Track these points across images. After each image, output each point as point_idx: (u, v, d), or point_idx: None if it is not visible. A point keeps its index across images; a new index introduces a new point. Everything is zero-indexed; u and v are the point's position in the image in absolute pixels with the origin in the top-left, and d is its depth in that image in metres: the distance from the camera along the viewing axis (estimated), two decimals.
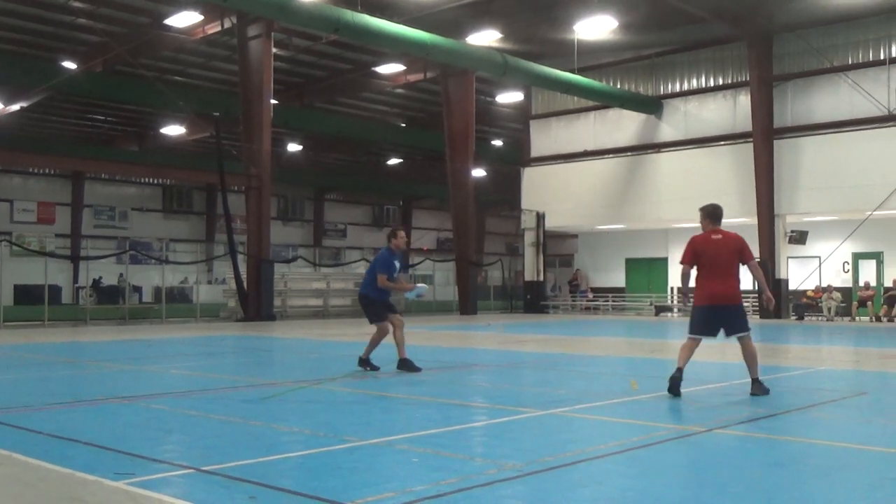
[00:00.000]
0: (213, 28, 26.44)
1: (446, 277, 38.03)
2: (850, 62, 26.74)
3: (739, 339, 8.71)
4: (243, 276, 26.31)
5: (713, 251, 8.64)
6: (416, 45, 23.95)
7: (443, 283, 39.02)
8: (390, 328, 10.98)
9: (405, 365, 10.92)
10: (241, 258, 26.85)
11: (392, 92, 36.49)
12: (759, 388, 8.62)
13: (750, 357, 8.70)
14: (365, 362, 11.12)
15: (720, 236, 8.72)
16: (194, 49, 29.87)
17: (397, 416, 7.66)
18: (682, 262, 8.87)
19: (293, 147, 42.80)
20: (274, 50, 26.93)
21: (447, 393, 9.27)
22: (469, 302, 32.15)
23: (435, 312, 33.88)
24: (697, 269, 8.72)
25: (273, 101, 27.29)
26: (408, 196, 54.97)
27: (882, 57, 26.09)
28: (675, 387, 8.41)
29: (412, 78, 32.42)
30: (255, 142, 25.79)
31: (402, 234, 11.33)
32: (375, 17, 22.69)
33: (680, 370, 8.48)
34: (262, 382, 10.12)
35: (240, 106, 26.71)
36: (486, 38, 28.03)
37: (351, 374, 10.75)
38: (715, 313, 8.63)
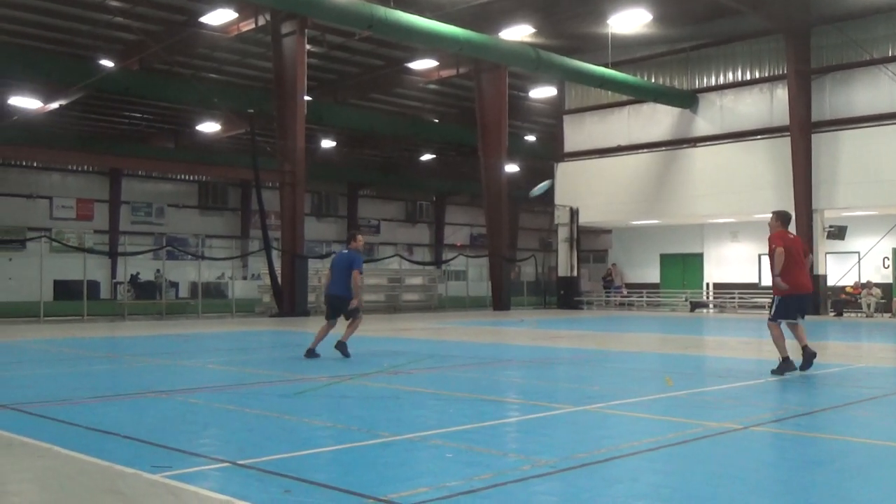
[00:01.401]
0: (248, 25, 26.63)
1: (480, 273, 38.00)
2: (890, 54, 26.27)
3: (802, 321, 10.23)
4: (278, 271, 26.50)
5: (795, 248, 10.06)
6: (448, 41, 23.93)
7: (476, 278, 38.98)
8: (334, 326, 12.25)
9: (342, 348, 12.04)
10: (275, 254, 27.02)
11: (425, 88, 36.52)
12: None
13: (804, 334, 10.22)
14: (312, 352, 12.07)
15: (793, 235, 10.30)
16: (229, 46, 30.12)
17: (430, 412, 7.68)
18: (778, 247, 9.94)
19: (327, 143, 43.01)
20: (308, 47, 27.07)
21: (480, 389, 9.27)
22: (502, 298, 32.10)
23: (469, 308, 33.88)
24: (783, 266, 9.90)
25: (307, 98, 27.43)
26: (441, 192, 55.00)
27: None
28: (791, 368, 9.84)
29: (445, 73, 32.42)
30: (289, 138, 25.95)
31: (360, 237, 12.65)
32: (408, 13, 22.72)
33: (788, 358, 9.82)
34: (296, 378, 10.19)
35: (274, 103, 26.89)
36: (519, 32, 27.95)
37: (384, 369, 10.79)
38: (803, 300, 10.17)
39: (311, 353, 12.08)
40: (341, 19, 22.62)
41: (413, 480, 4.85)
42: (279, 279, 26.32)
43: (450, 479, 4.85)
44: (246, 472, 5.07)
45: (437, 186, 53.80)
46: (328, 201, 51.07)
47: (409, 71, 32.80)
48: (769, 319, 10.21)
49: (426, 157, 48.18)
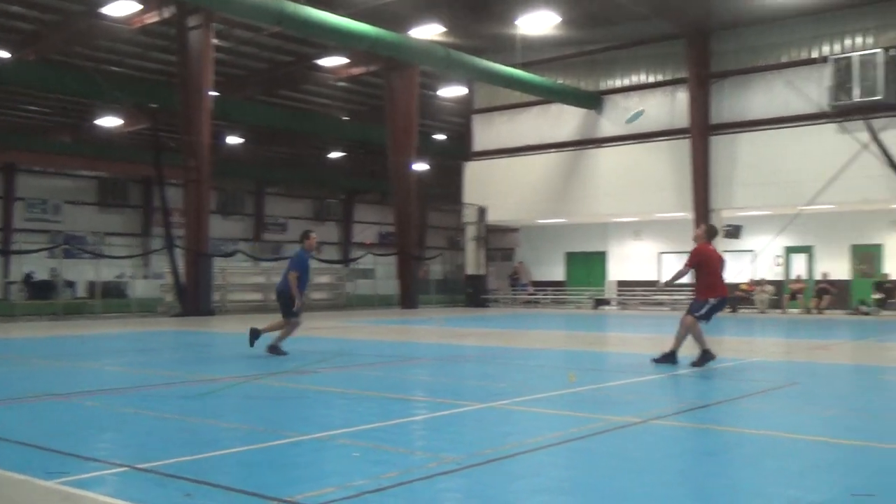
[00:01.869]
0: (152, 18, 25.90)
1: (388, 271, 37.93)
2: (784, 61, 27.39)
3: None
4: (181, 270, 25.91)
5: (715, 261, 11.01)
6: (359, 38, 23.83)
7: (384, 277, 38.90)
8: (302, 322, 12.31)
9: (275, 350, 12.05)
10: (178, 252, 26.41)
11: (335, 85, 36.23)
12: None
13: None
14: (275, 348, 12.06)
15: (713, 248, 11.28)
16: (132, 39, 29.24)
17: (338, 411, 7.65)
18: (687, 266, 10.97)
19: (233, 140, 42.25)
20: (214, 41, 26.52)
21: (388, 387, 9.28)
22: (410, 296, 32.15)
23: (377, 307, 33.82)
24: (704, 271, 10.87)
25: (213, 93, 26.89)
26: (350, 190, 54.69)
27: (814, 56, 26.79)
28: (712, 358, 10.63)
29: (355, 71, 32.24)
30: (195, 134, 25.39)
31: (313, 235, 12.58)
32: (319, 9, 22.51)
33: (709, 350, 10.63)
34: (199, 378, 10.00)
35: (179, 98, 26.27)
36: (429, 31, 28.03)
37: (291, 369, 10.68)
38: (721, 304, 10.98)
39: (275, 350, 12.05)
40: (249, 14, 22.26)
41: (320, 480, 4.83)
42: (183, 278, 25.75)
43: (357, 478, 4.84)
44: (145, 477, 4.95)
45: (346, 184, 53.47)
46: (234, 199, 50.14)
47: (319, 68, 32.49)
48: (689, 314, 10.78)
49: (335, 154, 47.81)
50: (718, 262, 11.07)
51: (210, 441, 6.13)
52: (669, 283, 11.82)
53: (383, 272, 38.46)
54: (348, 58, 30.85)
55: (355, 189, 54.37)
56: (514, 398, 8.11)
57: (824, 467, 5.37)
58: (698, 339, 10.71)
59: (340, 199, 55.58)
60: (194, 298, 25.47)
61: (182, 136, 26.19)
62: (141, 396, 8.41)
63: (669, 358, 10.83)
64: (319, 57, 31.10)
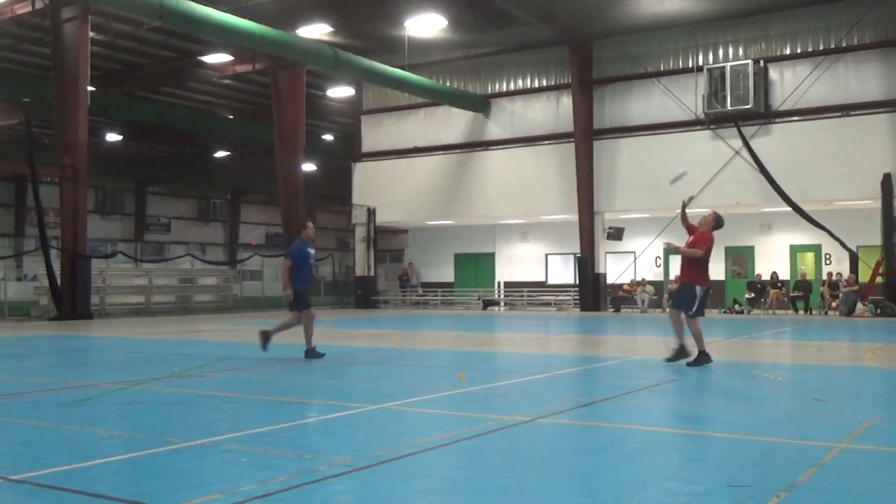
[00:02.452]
0: (24, 8, 24.76)
1: (276, 273, 37.36)
2: (662, 69, 28.42)
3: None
4: (57, 272, 24.82)
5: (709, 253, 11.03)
6: (243, 36, 23.38)
7: (272, 278, 38.32)
8: (314, 314, 12.18)
9: (313, 354, 12.03)
10: (54, 253, 25.29)
11: (219, 82, 35.48)
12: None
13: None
14: (311, 352, 12.02)
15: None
16: (3, 30, 27.85)
17: (224, 416, 7.48)
18: (705, 249, 10.85)
19: (112, 137, 40.79)
20: (91, 34, 25.51)
21: (277, 390, 9.13)
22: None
23: (265, 308, 33.25)
24: (702, 260, 10.88)
25: (90, 88, 25.88)
26: (235, 190, 53.63)
27: (690, 65, 27.90)
28: (708, 360, 10.70)
29: (240, 69, 31.64)
30: (70, 130, 24.35)
31: (310, 224, 12.52)
32: (202, 4, 21.97)
33: (706, 351, 10.75)
34: (77, 385, 9.59)
35: (53, 92, 25.15)
36: (316, 31, 27.78)
37: (174, 373, 10.38)
38: (706, 294, 11.02)
39: (311, 354, 11.93)
40: (129, 7, 21.55)
41: (205, 487, 4.71)
42: (59, 280, 24.68)
43: (244, 483, 4.75)
44: (18, 488, 4.71)
45: (232, 184, 52.41)
46: (114, 198, 48.41)
47: (203, 64, 31.74)
48: (689, 315, 10.86)
49: (220, 153, 46.80)
50: (705, 244, 11.06)
51: (89, 449, 5.89)
52: (678, 251, 11.42)
53: (271, 273, 37.90)
54: (233, 55, 30.27)
55: (242, 189, 53.37)
56: (405, 399, 8.12)
57: (702, 460, 5.59)
58: (697, 338, 10.85)
59: (226, 199, 54.44)
60: (71, 301, 24.45)
61: (57, 133, 25.09)
62: (15, 404, 8.01)
63: (704, 358, 10.82)
64: (203, 54, 30.40)
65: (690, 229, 11.41)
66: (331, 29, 28.08)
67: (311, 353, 12.04)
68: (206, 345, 15.76)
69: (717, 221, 11.25)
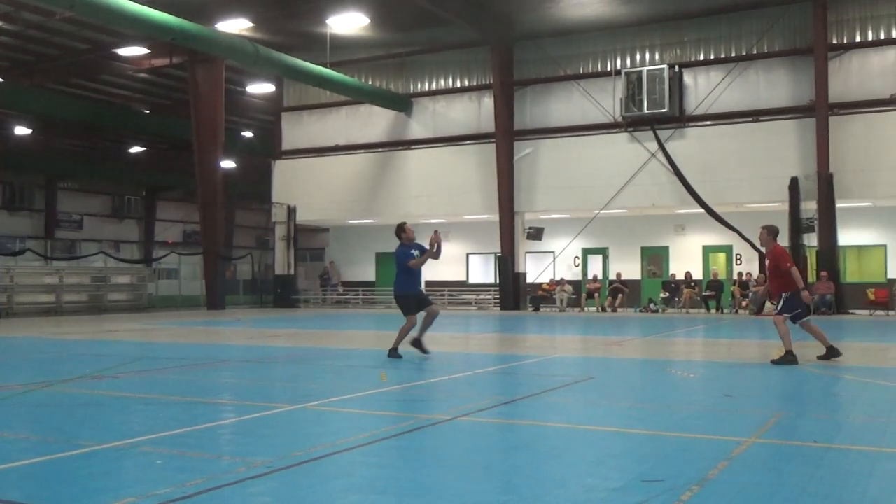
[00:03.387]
0: None
1: (193, 271, 36.66)
2: (581, 72, 28.89)
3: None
4: None
5: (787, 257, 11.43)
6: (159, 28, 22.80)
7: (189, 277, 37.58)
8: (417, 321, 12.03)
9: (418, 344, 12.07)
10: None
11: (134, 76, 34.60)
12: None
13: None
14: (395, 351, 11.97)
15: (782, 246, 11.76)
16: None
17: (139, 418, 7.31)
18: (791, 266, 11.10)
19: (22, 130, 39.39)
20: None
21: (193, 391, 8.97)
22: (217, 297, 31.24)
23: (181, 308, 32.60)
24: (779, 271, 11.16)
25: None
26: (151, 186, 52.27)
27: (609, 68, 28.43)
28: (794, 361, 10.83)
29: (157, 62, 30.92)
30: None
31: (408, 226, 12.68)
32: None
33: (792, 351, 10.91)
34: None
35: None
36: (236, 26, 27.35)
37: (86, 375, 10.09)
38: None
39: (394, 353, 11.92)
40: None
41: (118, 491, 4.60)
42: None
43: (160, 486, 4.65)
44: None
45: (148, 180, 51.06)
46: (22, 193, 46.60)
47: (118, 57, 30.90)
48: (801, 321, 11.19)
49: (136, 149, 45.63)
50: (788, 261, 11.27)
51: None
52: (795, 286, 11.19)
53: (188, 272, 37.17)
54: (149, 48, 29.57)
55: (158, 185, 52.04)
56: (325, 399, 8.07)
57: (618, 456, 5.71)
58: (784, 336, 11.09)
59: (141, 196, 53.04)
60: None
61: None
62: None
63: (790, 358, 10.95)
64: (118, 46, 29.61)
65: (766, 257, 11.83)
66: (251, 24, 27.68)
67: (394, 354, 11.98)
68: (119, 345, 15.37)
69: (771, 232, 11.57)
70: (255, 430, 6.64)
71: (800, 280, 11.22)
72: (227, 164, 36.94)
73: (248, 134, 43.41)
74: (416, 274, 12.53)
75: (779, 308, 11.33)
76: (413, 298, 12.14)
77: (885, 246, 27.96)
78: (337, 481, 4.94)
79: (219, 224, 31.80)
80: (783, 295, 11.23)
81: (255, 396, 8.66)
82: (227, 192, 34.16)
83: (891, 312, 25.61)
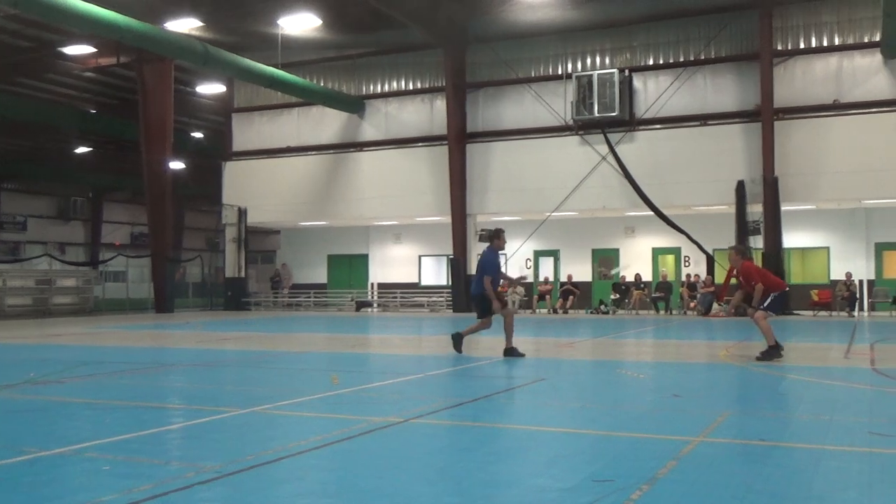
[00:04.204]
0: None
1: (141, 274, 36.12)
2: (533, 75, 29.09)
3: None
4: None
5: (756, 270, 12.27)
6: (106, 27, 22.40)
7: (137, 280, 37.03)
8: (492, 323, 12.48)
9: (511, 353, 12.25)
10: None
11: (81, 75, 33.95)
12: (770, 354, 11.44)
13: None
14: (512, 350, 12.25)
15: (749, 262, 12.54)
16: None
17: (84, 423, 7.17)
18: (757, 283, 11.67)
19: None
20: None
21: (141, 395, 8.83)
22: (165, 300, 30.79)
23: (129, 311, 32.07)
24: (756, 280, 11.74)
25: None
26: (98, 187, 51.37)
27: (560, 72, 28.66)
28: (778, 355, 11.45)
29: (104, 62, 30.39)
30: None
31: (502, 235, 12.69)
32: None
33: (776, 345, 11.49)
34: None
35: None
36: (185, 25, 27.00)
37: (30, 379, 9.86)
38: (782, 296, 12.06)
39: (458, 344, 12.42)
40: None
41: (64, 498, 4.51)
42: None
43: (106, 493, 4.57)
44: None
45: (95, 181, 50.16)
46: None
47: (64, 56, 30.29)
48: (758, 308, 11.58)
49: (82, 149, 44.77)
50: (756, 277, 11.80)
51: None
52: (759, 301, 11.74)
53: (136, 275, 36.62)
54: (96, 47, 29.05)
55: (105, 187, 51.16)
56: (276, 402, 8.00)
57: (569, 456, 5.76)
58: (766, 332, 11.51)
59: (87, 197, 52.10)
60: None
61: None
62: None
63: (773, 352, 11.43)
64: (64, 44, 29.02)
65: (735, 275, 12.35)
66: (201, 24, 27.36)
67: (512, 352, 12.23)
68: (65, 349, 15.07)
69: (738, 251, 12.31)
70: (204, 434, 6.56)
71: (775, 285, 11.86)
72: (177, 165, 36.49)
73: (197, 135, 42.88)
74: (498, 280, 12.85)
75: (762, 305, 11.64)
76: (474, 300, 12.65)
77: (827, 248, 28.63)
78: (288, 485, 4.90)
79: (167, 226, 31.38)
80: (771, 295, 11.67)
81: (205, 400, 8.55)
82: (176, 193, 33.74)
83: (833, 313, 26.20)
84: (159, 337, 19.13)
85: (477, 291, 12.54)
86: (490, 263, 12.40)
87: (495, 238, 12.66)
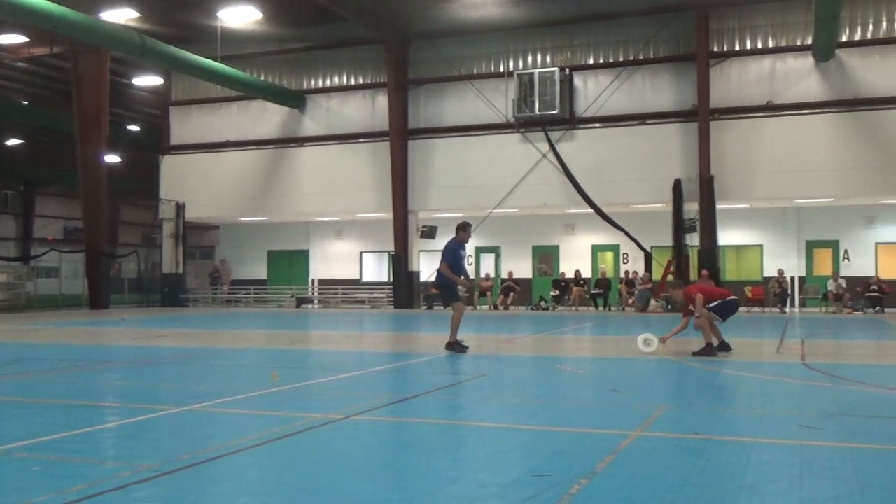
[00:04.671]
0: None
1: (75, 270, 35.28)
2: (475, 72, 29.17)
3: None
4: None
5: (696, 289, 12.70)
6: (39, 16, 21.80)
7: (71, 275, 36.15)
8: (463, 307, 12.64)
9: (453, 346, 12.42)
10: None
11: (12, 65, 33.00)
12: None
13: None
14: (453, 345, 12.40)
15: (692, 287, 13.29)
16: None
17: (14, 423, 6.98)
18: (696, 294, 12.22)
19: None
20: None
21: (75, 394, 8.64)
22: (101, 296, 30.16)
23: (62, 307, 31.31)
24: (701, 299, 12.12)
25: None
26: (30, 181, 49.98)
27: (502, 70, 28.80)
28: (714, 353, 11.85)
29: (36, 52, 29.57)
30: None
31: (470, 229, 13.07)
32: None
33: (712, 344, 11.92)
34: None
35: None
36: (121, 15, 26.43)
37: None
38: (730, 304, 12.43)
39: (453, 346, 12.42)
40: None
41: None
42: None
43: (37, 494, 4.46)
44: None
45: (26, 174, 48.79)
46: None
47: None
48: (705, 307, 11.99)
49: (13, 141, 43.54)
50: (700, 290, 12.39)
51: None
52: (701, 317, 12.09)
53: (70, 270, 35.77)
54: (28, 37, 28.25)
55: (37, 180, 49.78)
56: (214, 400, 7.90)
57: (509, 451, 5.80)
58: (706, 331, 11.90)
59: (19, 191, 50.67)
60: None
61: None
62: None
63: (710, 350, 11.81)
64: None
65: (682, 302, 12.78)
66: (137, 14, 26.80)
67: (454, 346, 12.42)
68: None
69: (673, 287, 13.41)
70: (140, 433, 6.44)
71: (719, 295, 12.44)
72: (112, 158, 35.75)
73: (134, 128, 42.06)
74: (463, 271, 12.98)
75: (713, 308, 12.05)
76: (454, 287, 12.73)
77: (761, 246, 29.33)
78: (226, 484, 4.84)
79: (102, 220, 30.73)
80: (720, 302, 12.18)
81: (141, 398, 8.40)
82: (111, 187, 33.04)
83: (766, 309, 26.85)
84: (93, 334, 18.73)
85: (439, 281, 12.80)
86: (449, 251, 12.71)
87: (460, 230, 13.00)
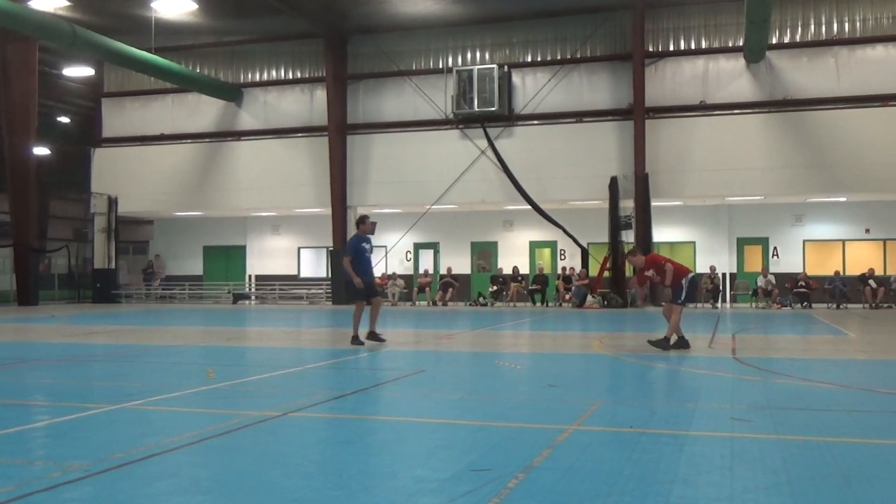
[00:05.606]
0: None
1: (2, 265, 34.27)
2: (415, 68, 29.16)
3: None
4: None
5: (661, 259, 12.70)
6: None
7: None
8: (365, 306, 12.82)
9: (374, 336, 12.85)
10: None
11: None
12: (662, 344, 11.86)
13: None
14: (374, 335, 12.87)
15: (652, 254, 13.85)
16: None
17: None
18: (667, 263, 12.26)
19: None
20: None
21: (2, 393, 8.40)
22: (29, 292, 29.38)
23: None
24: (661, 269, 12.21)
25: None
26: None
27: (441, 66, 28.84)
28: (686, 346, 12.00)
29: None
30: None
31: (368, 220, 13.15)
32: None
33: (684, 337, 12.10)
34: None
35: None
36: (51, 4, 25.73)
37: None
38: (692, 282, 12.44)
39: (355, 340, 12.65)
40: None
41: None
42: None
43: None
44: None
45: None
46: None
47: None
48: (676, 303, 12.05)
49: None
50: (663, 260, 12.44)
51: None
52: (667, 284, 12.17)
53: None
54: None
55: None
56: (148, 398, 7.76)
57: (448, 447, 5.82)
58: (676, 325, 12.00)
59: None
60: None
61: None
62: None
63: (681, 343, 11.96)
64: None
65: (642, 266, 12.68)
66: (68, 3, 26.14)
67: (357, 341, 12.66)
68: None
69: (634, 253, 13.16)
70: (70, 432, 6.30)
71: (684, 270, 12.36)
72: (41, 150, 34.82)
73: (64, 119, 41.01)
74: (367, 263, 12.88)
75: (681, 299, 12.13)
76: (365, 286, 12.68)
77: (694, 242, 29.94)
78: (161, 483, 4.76)
79: (31, 214, 29.96)
80: (682, 282, 12.11)
81: (72, 397, 8.21)
82: (40, 180, 32.20)
83: (699, 305, 27.42)
84: (22, 331, 18.24)
85: (345, 278, 12.94)
86: (350, 247, 12.84)
87: (360, 223, 13.13)
